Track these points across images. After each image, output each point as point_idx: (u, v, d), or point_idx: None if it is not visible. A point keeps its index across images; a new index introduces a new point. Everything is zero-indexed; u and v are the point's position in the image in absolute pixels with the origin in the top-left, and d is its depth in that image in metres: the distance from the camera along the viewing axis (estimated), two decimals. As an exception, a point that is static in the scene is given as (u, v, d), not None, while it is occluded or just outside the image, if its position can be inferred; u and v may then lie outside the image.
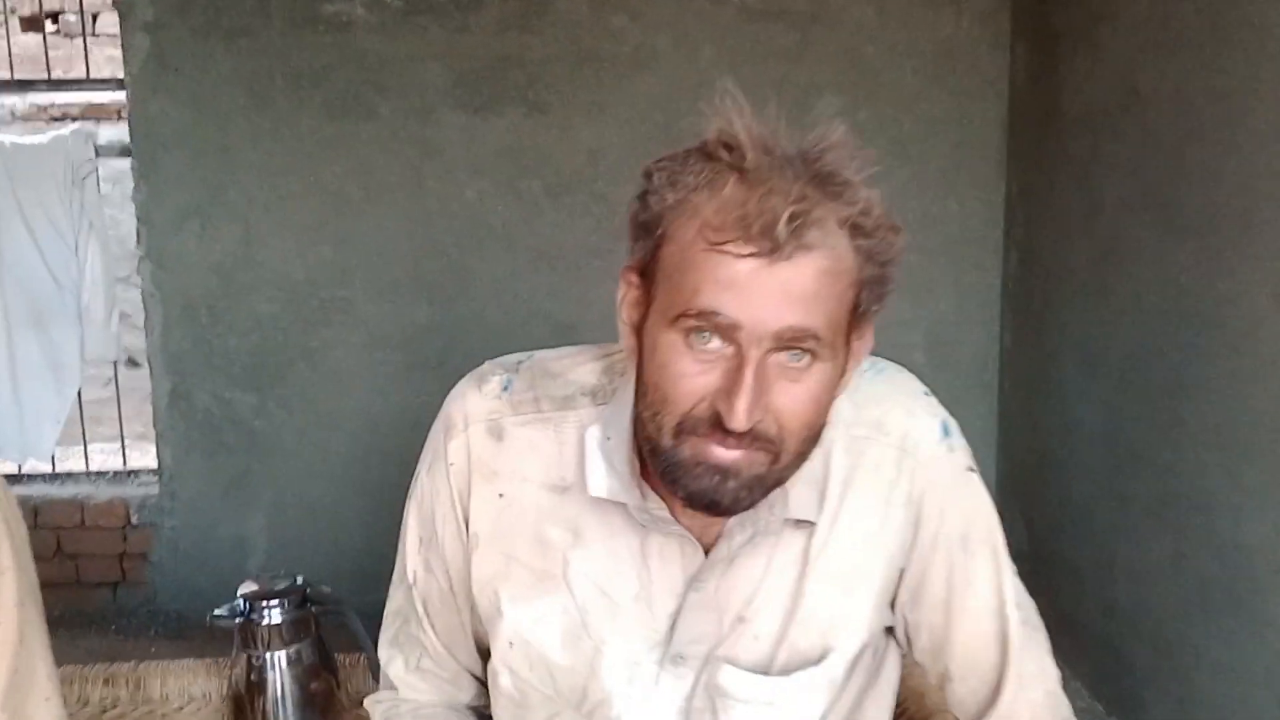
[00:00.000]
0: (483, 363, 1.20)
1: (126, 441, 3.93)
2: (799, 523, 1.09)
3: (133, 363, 4.31)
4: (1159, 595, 2.82)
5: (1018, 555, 2.84)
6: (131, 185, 3.53)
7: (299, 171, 3.50)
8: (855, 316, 0.99)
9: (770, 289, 0.92)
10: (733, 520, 1.07)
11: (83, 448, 3.85)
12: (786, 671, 1.11)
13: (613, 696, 1.14)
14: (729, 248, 0.91)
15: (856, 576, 1.11)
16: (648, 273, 1.00)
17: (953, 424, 1.15)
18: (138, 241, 3.53)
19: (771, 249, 0.90)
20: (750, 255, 0.91)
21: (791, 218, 0.89)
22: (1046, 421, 3.47)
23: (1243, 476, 2.45)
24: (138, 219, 3.51)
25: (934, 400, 1.16)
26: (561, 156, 3.57)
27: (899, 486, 1.10)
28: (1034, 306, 3.54)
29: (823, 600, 1.10)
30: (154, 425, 3.63)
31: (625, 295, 1.04)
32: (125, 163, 3.60)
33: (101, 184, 3.67)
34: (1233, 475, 2.48)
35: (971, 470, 1.15)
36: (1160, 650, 2.82)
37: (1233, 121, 2.43)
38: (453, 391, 1.18)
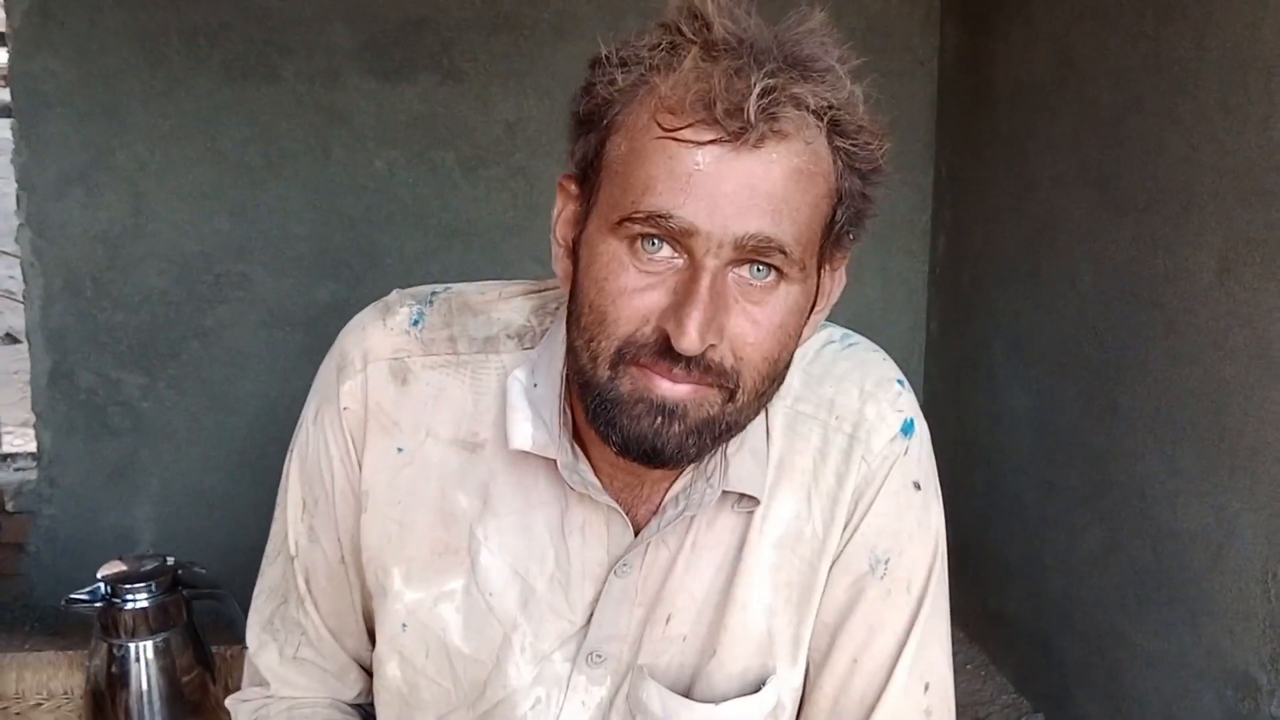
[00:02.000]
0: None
1: (6, 427, 3.66)
2: (740, 500, 0.94)
3: (11, 338, 4.02)
4: (1090, 586, 2.74)
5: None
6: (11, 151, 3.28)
7: (194, 136, 3.27)
8: (830, 238, 0.84)
9: (733, 186, 0.77)
10: (667, 496, 0.92)
11: (-45, 431, 3.59)
12: (716, 699, 0.96)
13: (516, 696, 0.98)
14: (686, 134, 0.76)
15: (791, 583, 0.96)
16: (588, 178, 0.84)
17: (920, 426, 1.00)
18: (17, 207, 3.27)
19: (739, 131, 0.75)
20: (712, 142, 0.76)
21: (764, 91, 0.75)
22: (974, 410, 3.38)
23: (1179, 461, 2.36)
24: (17, 183, 3.25)
25: (906, 393, 1.01)
26: (478, 127, 3.39)
27: (846, 480, 0.95)
28: (962, 292, 3.45)
29: (756, 606, 0.96)
30: (32, 406, 3.37)
31: (561, 209, 0.89)
32: (6, 128, 3.34)
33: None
34: (1169, 460, 2.40)
35: (920, 487, 0.98)
36: (1090, 643, 2.74)
37: (1176, 92, 2.35)
38: (351, 323, 1.01)
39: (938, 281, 3.63)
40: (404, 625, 0.99)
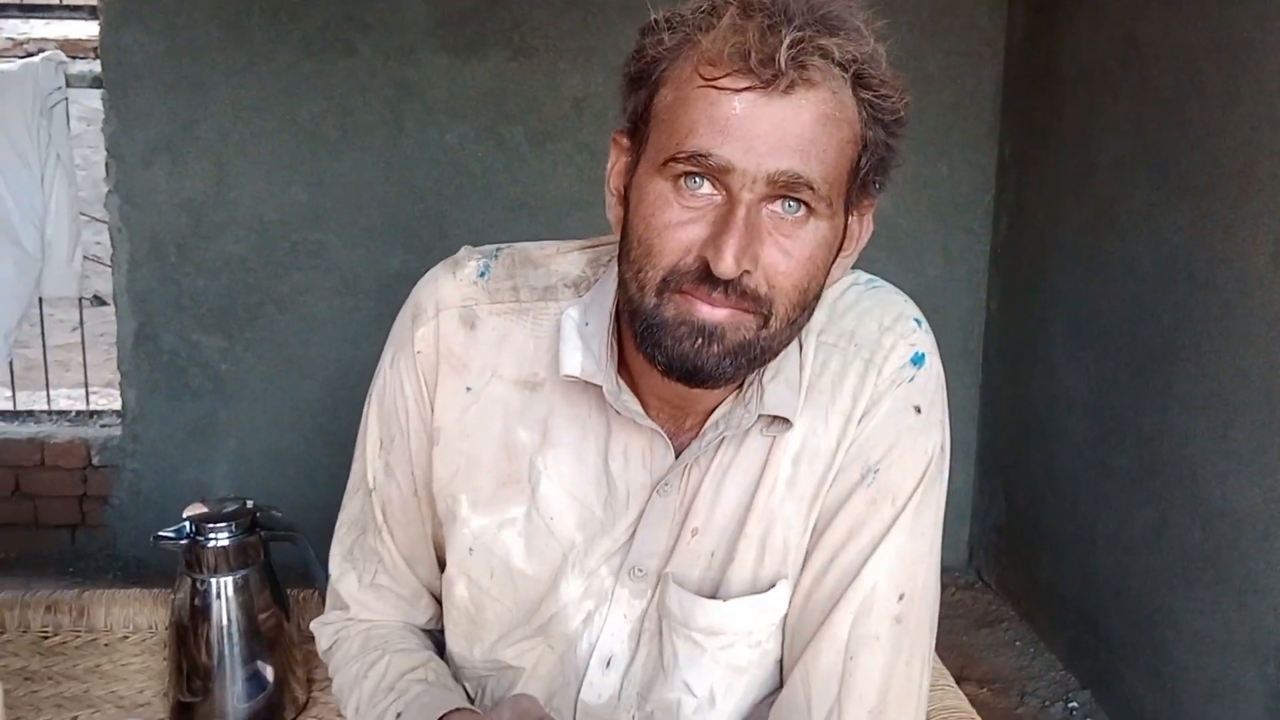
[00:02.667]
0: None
1: (92, 386, 3.83)
2: (772, 424, 1.01)
3: (98, 300, 4.19)
4: (1140, 566, 2.77)
5: (998, 527, 2.80)
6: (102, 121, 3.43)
7: (274, 109, 3.40)
8: (855, 182, 0.91)
9: (766, 128, 0.84)
10: (708, 422, 1.00)
11: (45, 391, 3.75)
12: (729, 596, 1.03)
13: (568, 610, 1.06)
14: (725, 82, 0.84)
15: (803, 495, 1.03)
16: (638, 130, 0.92)
17: (932, 361, 1.05)
18: (106, 175, 3.42)
19: (771, 78, 0.83)
20: (747, 89, 0.84)
21: (793, 44, 0.82)
22: (1031, 390, 3.41)
23: (1231, 441, 2.39)
24: (107, 152, 3.41)
25: (922, 330, 1.06)
26: (546, 103, 3.48)
27: (859, 400, 1.01)
28: (1023, 272, 3.47)
29: (773, 517, 1.02)
30: (118, 365, 3.53)
31: (614, 163, 0.97)
32: (98, 98, 3.48)
33: (74, 121, 3.56)
34: (1221, 441, 2.42)
35: (920, 412, 1.03)
36: (1138, 622, 2.77)
37: (1236, 75, 2.36)
38: (424, 277, 1.10)
39: (999, 262, 3.65)
40: (470, 549, 1.07)
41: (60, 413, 3.69)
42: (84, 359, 3.80)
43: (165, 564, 3.46)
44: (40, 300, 3.57)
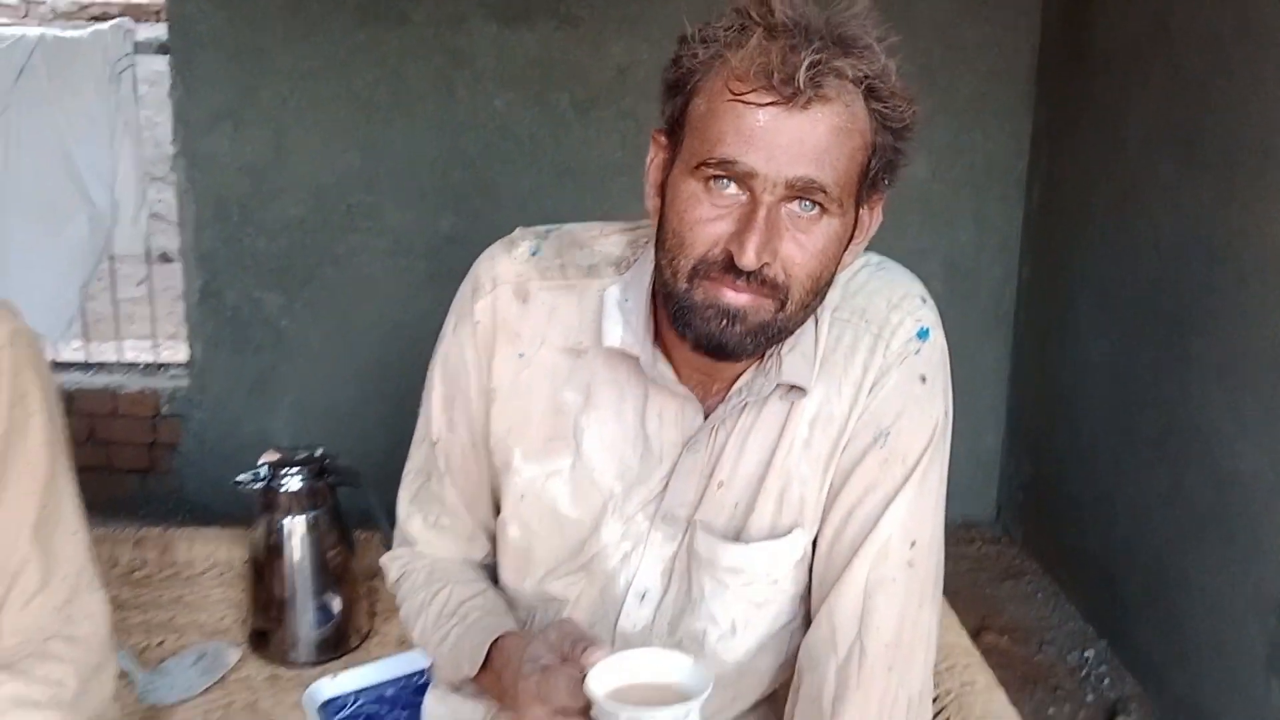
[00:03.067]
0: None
1: (156, 339, 4.03)
2: (789, 391, 1.14)
3: (165, 258, 4.38)
4: (1156, 526, 2.89)
5: (1025, 486, 2.99)
6: (167, 86, 3.59)
7: (330, 76, 3.54)
8: (866, 182, 1.04)
9: (786, 139, 0.97)
10: (733, 389, 1.14)
11: (116, 343, 3.95)
12: (750, 541, 1.17)
13: (608, 550, 1.21)
14: (751, 97, 0.97)
15: (818, 455, 1.16)
16: (675, 131, 1.05)
17: (936, 335, 1.17)
18: (173, 139, 3.59)
19: (790, 96, 0.95)
20: (770, 104, 0.96)
21: (811, 66, 0.95)
22: (1059, 357, 3.51)
23: (1243, 408, 2.50)
24: (174, 117, 3.58)
25: (927, 306, 1.18)
26: (591, 71, 3.59)
27: (869, 371, 1.14)
28: (1054, 241, 3.56)
29: (790, 474, 1.16)
30: (185, 320, 3.72)
31: (653, 158, 1.10)
32: (163, 63, 3.64)
33: (140, 85, 3.72)
34: (1233, 407, 2.53)
35: (925, 381, 1.16)
36: (1152, 577, 2.90)
37: (1259, 58, 2.45)
38: (483, 254, 1.24)
39: (1031, 230, 3.74)
40: (522, 496, 1.23)
41: (130, 364, 3.88)
42: (152, 313, 3.99)
43: (230, 508, 3.71)
44: (111, 258, 3.75)
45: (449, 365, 1.25)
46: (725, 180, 1.00)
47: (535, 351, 1.20)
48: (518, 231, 1.26)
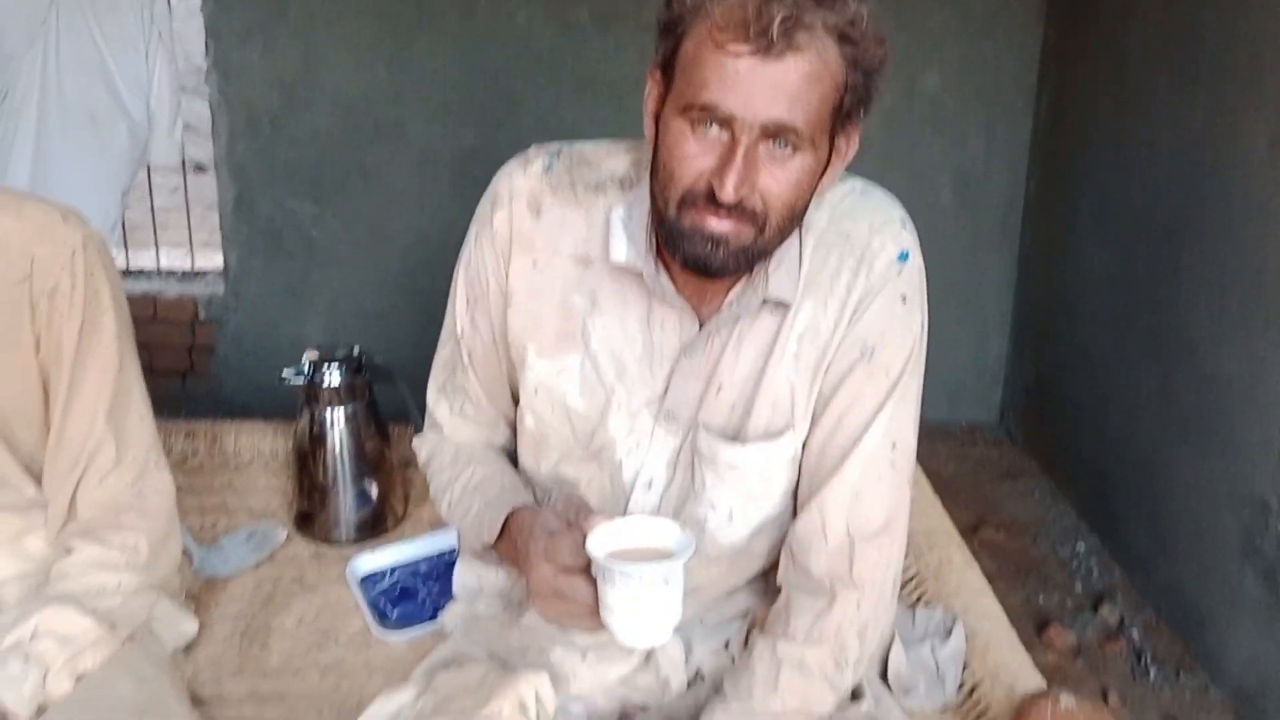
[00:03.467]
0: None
1: (192, 247, 4.19)
2: (775, 306, 1.28)
3: (199, 168, 4.53)
4: (1145, 425, 3.04)
5: (1027, 390, 3.21)
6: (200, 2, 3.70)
7: (357, -9, 3.64)
8: (839, 117, 1.16)
9: (762, 85, 1.09)
10: (725, 301, 1.28)
11: (154, 250, 4.11)
12: (747, 441, 1.32)
13: (616, 441, 1.37)
14: (730, 48, 1.08)
15: (807, 365, 1.30)
16: (668, 68, 1.17)
17: (915, 257, 1.30)
18: (205, 53, 3.71)
19: (766, 47, 1.07)
20: (747, 54, 1.08)
21: (783, 20, 1.06)
22: (1061, 265, 3.63)
23: (1225, 313, 2.63)
24: (206, 31, 3.68)
25: (906, 230, 1.31)
26: (610, -15, 3.67)
27: (853, 291, 1.28)
28: (1059, 154, 3.66)
29: (782, 382, 1.30)
30: (220, 229, 3.87)
31: (649, 91, 1.22)
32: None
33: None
34: (1216, 311, 2.66)
35: (905, 301, 1.29)
36: (1140, 474, 3.06)
37: (1249, -27, 2.53)
38: (500, 170, 1.38)
39: (1039, 143, 3.82)
40: (536, 390, 1.38)
41: (169, 271, 4.05)
42: (188, 222, 4.14)
43: (266, 406, 3.92)
44: (147, 168, 3.90)
45: (471, 270, 1.40)
46: (709, 122, 1.12)
47: (547, 259, 1.34)
48: (533, 149, 1.39)
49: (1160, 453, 2.95)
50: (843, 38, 1.11)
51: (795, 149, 1.13)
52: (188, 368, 3.94)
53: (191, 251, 4.16)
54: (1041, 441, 3.82)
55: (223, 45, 3.68)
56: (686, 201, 1.16)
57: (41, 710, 1.36)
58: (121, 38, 3.67)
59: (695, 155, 1.14)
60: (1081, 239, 3.46)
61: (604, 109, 3.75)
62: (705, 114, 1.11)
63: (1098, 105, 3.36)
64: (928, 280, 1.34)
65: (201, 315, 3.91)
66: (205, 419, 3.63)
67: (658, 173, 1.19)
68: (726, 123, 1.11)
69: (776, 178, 1.14)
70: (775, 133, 1.11)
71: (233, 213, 3.82)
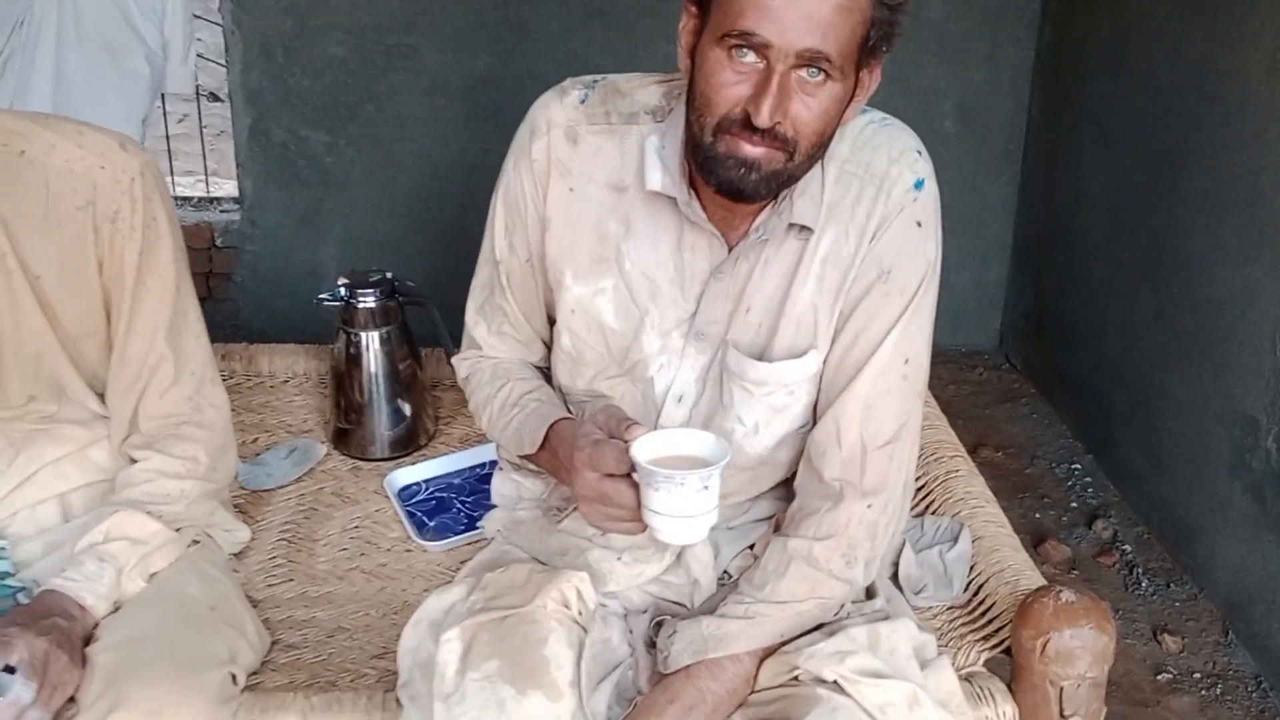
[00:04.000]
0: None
1: (200, 174, 4.24)
2: (800, 230, 1.37)
3: (214, 97, 4.57)
4: (1140, 346, 3.14)
5: (1026, 315, 3.33)
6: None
7: (370, -81, 3.67)
8: (865, 50, 1.23)
9: (796, 14, 1.16)
10: (751, 225, 1.36)
11: (169, 177, 4.17)
12: (772, 359, 1.42)
13: (649, 358, 1.46)
14: None
15: (829, 288, 1.38)
16: (703, 3, 1.24)
17: (930, 184, 1.38)
18: (218, -20, 3.74)
19: None
20: None
21: None
22: (1061, 190, 3.70)
23: (1219, 236, 2.71)
24: (218, -41, 3.72)
25: (922, 159, 1.38)
26: (619, -87, 3.70)
27: (872, 218, 1.36)
28: (1061, 80, 3.71)
29: (806, 303, 1.39)
30: (235, 157, 3.93)
31: (685, 24, 1.29)
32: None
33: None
34: (1211, 236, 2.75)
35: (920, 225, 1.37)
36: (1135, 395, 3.16)
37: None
38: (538, 101, 1.45)
39: (1041, 69, 3.87)
40: (573, 310, 1.47)
41: (185, 199, 4.11)
42: (203, 150, 4.20)
43: (283, 331, 4.01)
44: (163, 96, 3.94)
45: (509, 196, 1.48)
46: (745, 50, 1.19)
47: (583, 186, 1.42)
48: (568, 81, 1.46)
49: (1155, 374, 3.05)
50: None
51: (827, 77, 1.21)
52: (206, 294, 4.01)
53: (207, 179, 4.22)
54: (1040, 365, 3.93)
55: (235, -28, 3.71)
56: (722, 127, 1.23)
57: (117, 606, 1.46)
58: (134, -37, 3.69)
59: (732, 83, 1.21)
60: (1082, 165, 3.53)
61: (613, 36, 3.80)
62: (742, 41, 1.18)
63: (1098, 33, 3.41)
64: (932, 205, 1.42)
65: (219, 242, 3.98)
66: (232, 342, 3.75)
67: (694, 101, 1.26)
68: (762, 50, 1.18)
69: (809, 105, 1.22)
70: (809, 60, 1.19)
71: (247, 141, 3.88)
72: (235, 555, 1.77)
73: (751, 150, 1.23)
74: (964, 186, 4.01)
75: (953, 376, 3.98)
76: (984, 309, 4.24)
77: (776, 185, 1.28)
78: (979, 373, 4.06)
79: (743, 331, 1.42)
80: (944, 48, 3.87)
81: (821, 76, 1.21)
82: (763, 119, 1.19)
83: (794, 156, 1.25)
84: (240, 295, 4.04)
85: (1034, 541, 3.06)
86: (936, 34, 3.84)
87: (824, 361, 1.43)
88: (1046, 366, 3.86)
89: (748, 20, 1.17)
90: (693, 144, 1.28)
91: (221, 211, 4.02)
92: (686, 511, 1.25)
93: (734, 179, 1.25)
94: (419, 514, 1.94)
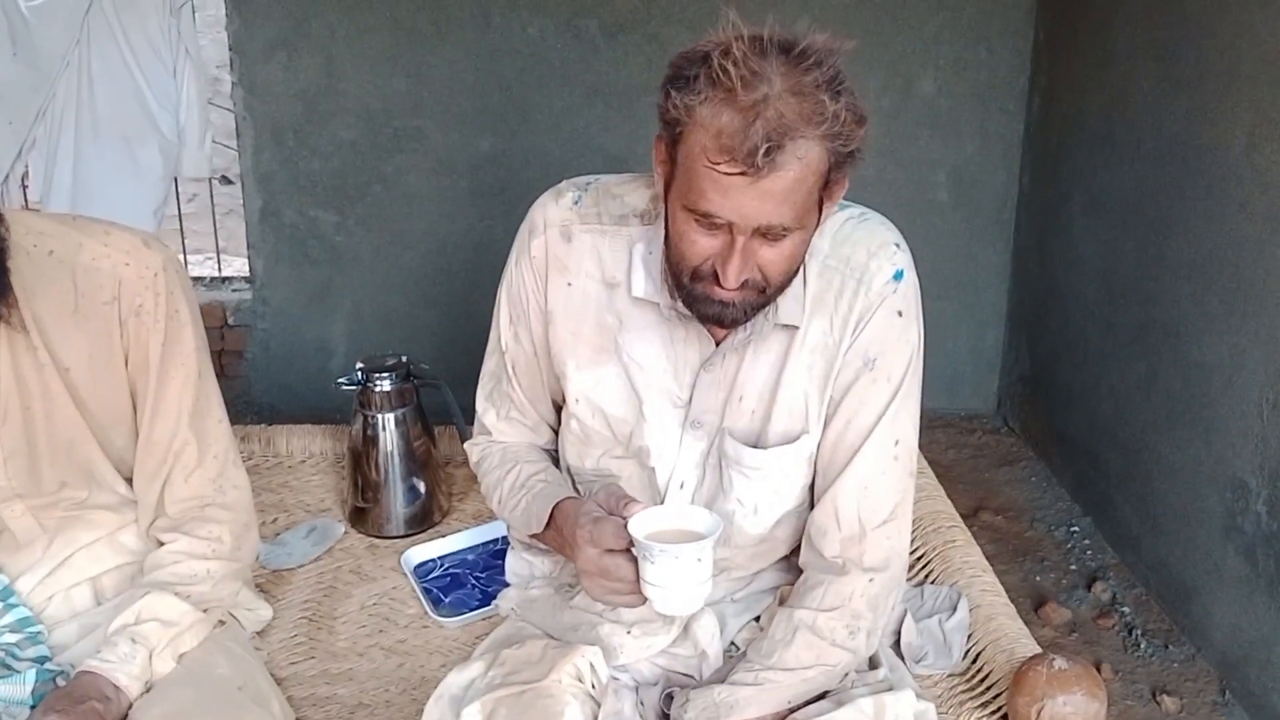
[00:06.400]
0: (556, 184, 1.56)
1: (219, 255, 4.35)
2: (785, 326, 1.45)
3: (226, 180, 4.69)
4: (1134, 410, 3.21)
5: (1023, 379, 3.43)
6: (210, 13, 3.84)
7: (375, 7, 3.78)
8: (825, 188, 1.28)
9: (752, 198, 1.22)
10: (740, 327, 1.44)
11: (182, 256, 4.27)
12: (769, 446, 1.50)
13: (650, 446, 1.54)
14: (722, 168, 1.21)
15: (818, 376, 1.47)
16: (671, 155, 1.29)
17: (909, 275, 1.46)
18: (230, 69, 3.86)
19: (754, 169, 1.19)
20: (738, 174, 1.21)
21: (766, 150, 1.18)
22: (1054, 258, 3.80)
23: (1206, 304, 2.80)
24: (230, 49, 3.84)
25: (900, 251, 1.46)
26: (618, -2, 3.83)
27: (854, 309, 1.44)
28: (1050, 150, 3.82)
29: (796, 391, 1.47)
30: (246, 238, 4.03)
31: (658, 155, 1.35)
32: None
33: (198, 16, 3.96)
34: (1198, 303, 2.83)
35: (902, 315, 1.45)
36: (1131, 457, 3.23)
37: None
38: (536, 202, 1.55)
39: (1031, 140, 3.98)
40: (578, 399, 1.55)
41: (197, 278, 4.20)
42: (214, 231, 4.30)
43: (295, 407, 4.07)
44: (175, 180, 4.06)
45: (513, 291, 1.57)
46: (707, 222, 1.26)
47: (580, 281, 1.51)
48: (564, 183, 1.55)
49: (1149, 437, 3.12)
50: (823, 137, 1.22)
51: (788, 232, 1.28)
52: (219, 372, 4.03)
53: (218, 257, 4.32)
54: (1037, 428, 3.99)
55: (247, 60, 3.84)
56: (696, 275, 1.32)
57: (149, 687, 1.52)
58: (151, 56, 3.82)
59: (699, 243, 1.29)
60: (1073, 233, 3.63)
61: (614, 115, 3.91)
62: (704, 219, 1.26)
63: (1085, 102, 3.52)
64: (927, 273, 1.51)
65: (230, 320, 4.07)
66: (248, 422, 3.82)
67: (669, 245, 1.35)
68: (724, 225, 1.26)
69: (774, 255, 1.30)
70: (767, 231, 1.26)
71: (259, 222, 3.98)
72: (258, 634, 1.83)
73: (725, 294, 1.32)
74: (959, 254, 4.11)
75: (952, 440, 4.05)
76: (981, 373, 4.32)
77: (756, 311, 1.37)
78: (978, 436, 4.13)
79: (738, 419, 1.50)
80: (936, 121, 3.98)
81: (783, 232, 1.27)
82: (728, 282, 1.29)
83: (767, 293, 1.34)
84: (252, 372, 4.13)
85: (1035, 605, 3.11)
86: (929, 108, 3.96)
87: (818, 446, 1.50)
88: (1044, 429, 3.92)
89: (708, 203, 1.24)
90: (674, 280, 1.37)
91: (233, 290, 4.11)
92: (683, 583, 1.33)
93: (714, 314, 1.35)
94: (435, 590, 2.00)
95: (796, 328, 1.44)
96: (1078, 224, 3.59)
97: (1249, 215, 2.61)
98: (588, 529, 1.39)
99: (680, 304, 1.41)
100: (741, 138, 1.18)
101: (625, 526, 1.36)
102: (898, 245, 1.47)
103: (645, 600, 1.37)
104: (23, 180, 3.87)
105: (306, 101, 3.87)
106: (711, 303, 1.33)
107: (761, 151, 1.18)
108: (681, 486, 1.55)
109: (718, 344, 1.46)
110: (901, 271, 1.46)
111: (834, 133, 1.21)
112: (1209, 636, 2.85)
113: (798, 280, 1.42)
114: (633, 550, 1.36)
